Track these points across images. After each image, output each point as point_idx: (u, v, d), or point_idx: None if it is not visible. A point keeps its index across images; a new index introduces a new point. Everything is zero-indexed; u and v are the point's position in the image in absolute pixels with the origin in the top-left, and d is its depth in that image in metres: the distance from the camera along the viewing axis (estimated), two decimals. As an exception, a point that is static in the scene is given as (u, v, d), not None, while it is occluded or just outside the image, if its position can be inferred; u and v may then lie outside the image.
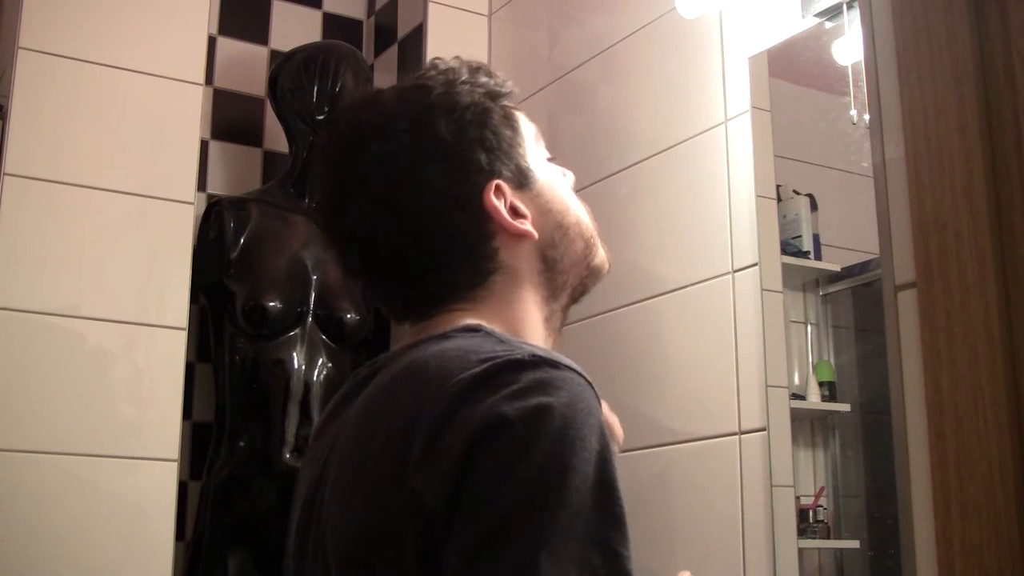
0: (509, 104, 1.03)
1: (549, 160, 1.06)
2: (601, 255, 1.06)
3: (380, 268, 1.01)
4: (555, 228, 1.01)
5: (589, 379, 0.84)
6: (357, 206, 0.98)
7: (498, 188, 0.97)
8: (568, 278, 1.03)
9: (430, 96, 0.99)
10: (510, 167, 0.99)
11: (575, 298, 1.05)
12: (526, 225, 0.98)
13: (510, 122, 1.02)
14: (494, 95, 1.01)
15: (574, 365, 0.85)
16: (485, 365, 0.82)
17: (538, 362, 0.82)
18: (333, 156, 1.02)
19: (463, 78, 1.01)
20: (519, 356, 0.83)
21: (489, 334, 0.90)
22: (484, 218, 0.97)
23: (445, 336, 0.92)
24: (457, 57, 1.04)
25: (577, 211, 1.04)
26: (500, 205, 0.97)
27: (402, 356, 0.93)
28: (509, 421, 0.78)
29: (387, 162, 0.97)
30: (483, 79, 1.02)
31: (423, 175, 0.96)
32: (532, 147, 1.03)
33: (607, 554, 0.77)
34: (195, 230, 2.17)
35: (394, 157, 0.97)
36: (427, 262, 0.98)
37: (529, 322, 0.98)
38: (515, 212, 0.98)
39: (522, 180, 1.00)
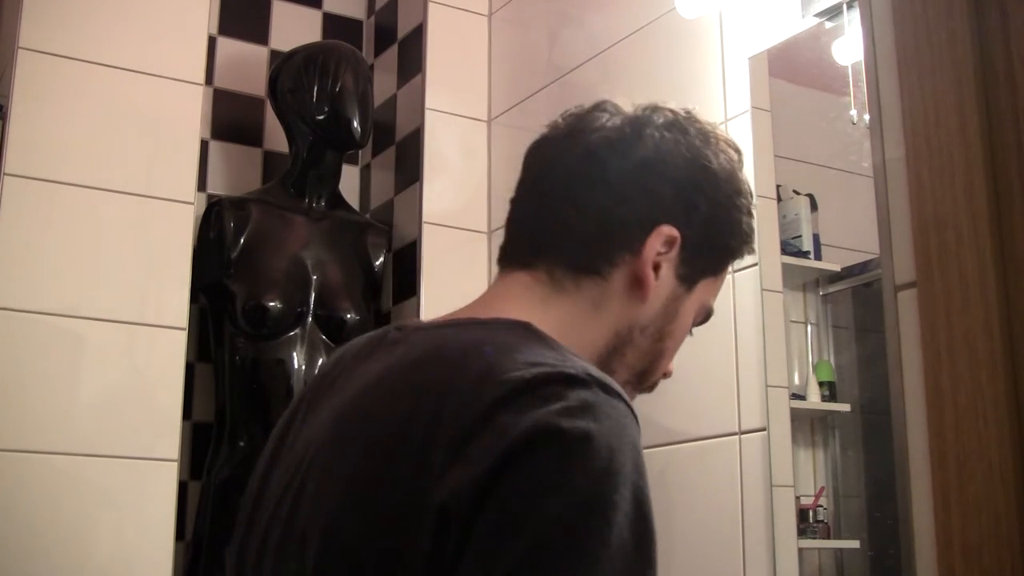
0: (741, 252, 1.01)
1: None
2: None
3: (557, 191, 0.96)
4: (658, 327, 0.97)
5: (633, 409, 0.81)
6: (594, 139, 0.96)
7: (673, 240, 0.94)
8: (618, 368, 0.97)
9: (733, 151, 0.99)
10: (694, 256, 0.96)
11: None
12: (650, 280, 0.94)
13: (731, 254, 1.00)
14: (749, 239, 1.01)
15: (623, 393, 0.80)
16: (535, 371, 0.76)
17: (591, 382, 0.77)
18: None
19: (752, 200, 1.01)
20: (572, 371, 0.77)
21: (539, 336, 0.84)
22: (643, 231, 0.94)
23: (486, 324, 0.87)
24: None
25: (668, 358, 1.01)
26: (659, 245, 0.94)
27: (434, 333, 0.88)
28: (557, 438, 0.72)
29: (674, 127, 0.96)
30: (753, 220, 1.01)
31: (671, 156, 0.95)
32: (705, 294, 1.00)
33: None
34: (195, 230, 2.17)
35: (678, 127, 0.96)
36: (587, 200, 0.94)
37: (584, 349, 0.92)
38: (655, 268, 0.94)
39: (685, 276, 0.97)
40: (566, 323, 0.92)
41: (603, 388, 0.78)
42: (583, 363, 0.81)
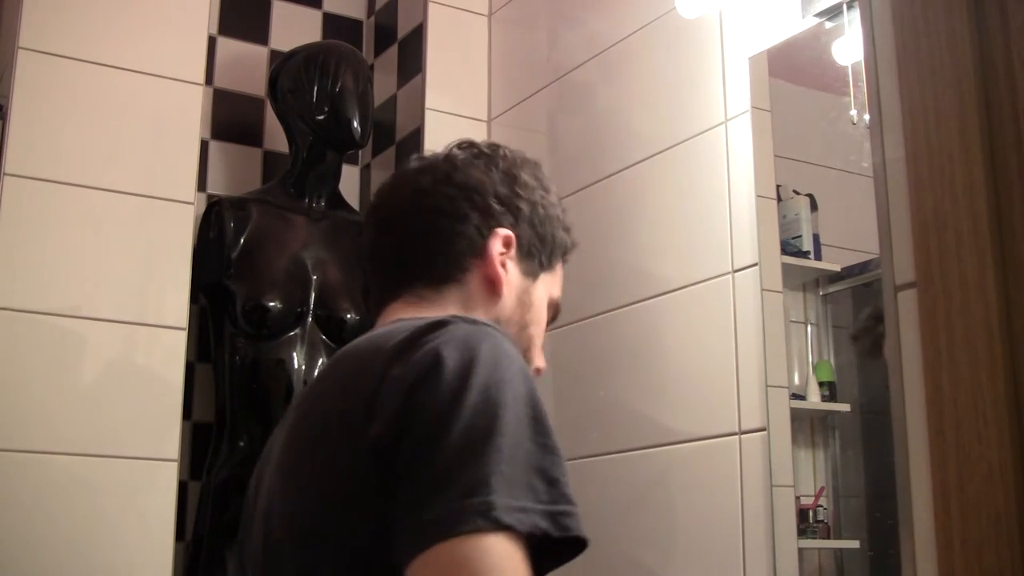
0: (568, 245, 1.18)
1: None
2: None
3: (403, 230, 1.12)
4: (518, 318, 1.11)
5: (506, 334, 0.95)
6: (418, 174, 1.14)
7: (509, 239, 1.10)
8: None
9: (536, 167, 1.17)
10: (529, 252, 1.12)
11: None
12: (501, 276, 1.09)
13: (558, 247, 1.16)
14: (567, 235, 1.18)
15: (492, 324, 0.95)
16: (411, 330, 0.92)
17: (457, 320, 0.92)
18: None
19: (561, 205, 1.19)
20: (439, 318, 0.93)
21: (413, 316, 1.00)
22: (482, 234, 1.09)
23: (375, 328, 1.03)
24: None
25: (536, 348, 1.14)
26: (499, 245, 1.09)
27: (342, 350, 1.03)
28: (440, 362, 0.87)
29: (480, 155, 1.13)
30: (569, 232, 1.19)
31: (488, 174, 1.12)
32: (546, 287, 1.15)
33: (547, 480, 0.84)
34: (195, 230, 2.17)
35: (485, 155, 1.14)
36: (431, 228, 1.09)
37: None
38: (503, 267, 1.09)
39: (526, 270, 1.12)
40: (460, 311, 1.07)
41: (469, 322, 0.93)
42: (451, 312, 0.98)
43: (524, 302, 1.12)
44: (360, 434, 0.87)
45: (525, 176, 1.13)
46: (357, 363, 0.94)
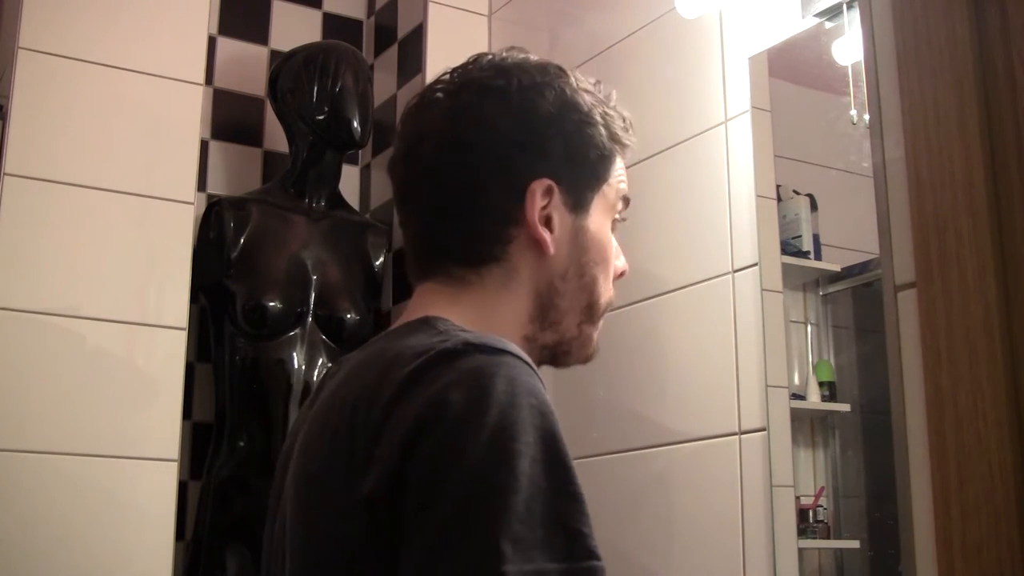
0: (618, 149, 1.02)
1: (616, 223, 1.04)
2: (594, 341, 1.03)
3: (423, 199, 1.00)
4: (575, 265, 0.99)
5: (528, 359, 0.84)
6: (440, 119, 0.99)
7: (549, 188, 0.96)
8: (560, 319, 0.99)
9: (562, 79, 1.00)
10: (574, 186, 0.98)
11: (544, 358, 1.01)
12: (546, 237, 0.96)
13: (604, 160, 1.01)
14: (614, 135, 1.02)
15: (511, 348, 0.83)
16: (418, 361, 0.81)
17: (469, 350, 0.81)
18: (446, 82, 1.01)
19: (607, 103, 1.02)
20: (450, 346, 0.82)
21: (429, 325, 0.89)
22: (517, 200, 0.95)
23: (388, 334, 0.93)
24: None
25: (604, 281, 1.01)
26: (537, 201, 0.95)
27: (352, 358, 0.95)
28: (445, 412, 0.77)
29: (487, 93, 0.97)
30: (618, 120, 1.03)
31: (500, 121, 0.96)
32: (606, 200, 1.02)
33: (569, 534, 0.76)
34: (195, 230, 2.17)
35: (494, 91, 0.97)
36: (449, 209, 0.97)
37: (507, 328, 0.95)
38: (547, 221, 0.97)
39: (576, 205, 0.99)
40: (481, 311, 0.96)
41: (483, 351, 0.81)
42: (464, 334, 0.85)
43: (580, 244, 0.99)
44: (357, 486, 0.79)
45: (546, 103, 0.97)
46: (365, 385, 0.84)
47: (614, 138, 1.02)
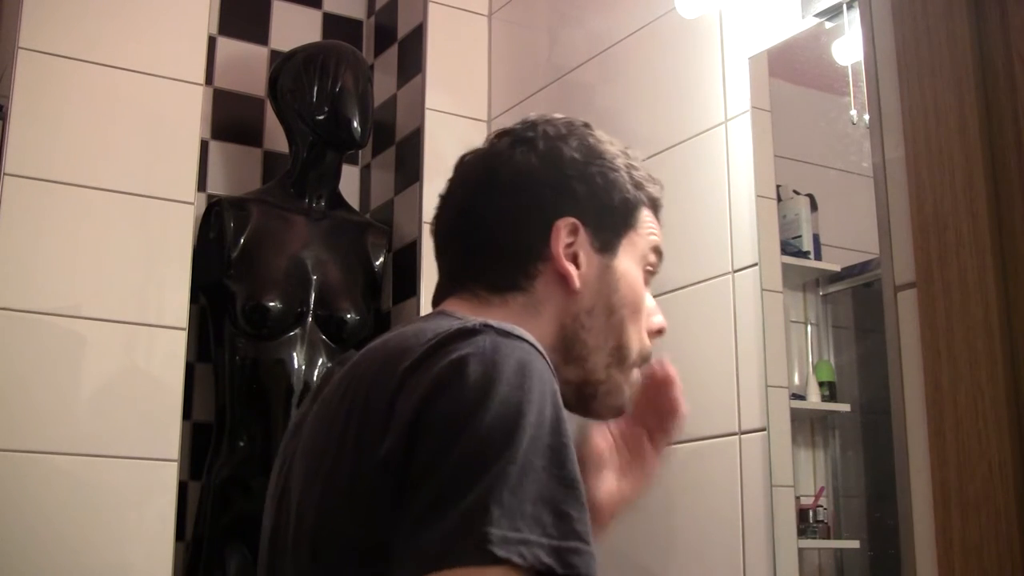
0: (644, 199, 1.06)
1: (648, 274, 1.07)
2: (624, 392, 1.05)
3: (456, 233, 1.06)
4: (603, 303, 1.02)
5: (542, 350, 0.86)
6: (476, 172, 1.06)
7: (574, 227, 1.01)
8: (586, 355, 1.02)
9: (587, 131, 1.07)
10: (599, 227, 1.02)
11: (569, 399, 1.01)
12: (572, 273, 1.00)
13: (629, 205, 1.05)
14: (637, 182, 1.06)
15: (529, 337, 0.86)
16: (438, 336, 0.85)
17: (487, 329, 0.84)
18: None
19: (630, 156, 1.07)
20: (469, 326, 0.85)
21: (450, 314, 0.93)
22: (543, 237, 1.00)
23: (407, 323, 0.97)
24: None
25: (634, 327, 1.04)
26: (563, 237, 1.00)
27: (365, 349, 0.96)
28: (460, 374, 0.81)
29: (518, 141, 1.04)
30: (642, 170, 1.07)
31: (528, 164, 1.02)
32: (635, 249, 1.05)
33: (557, 514, 0.78)
34: (195, 230, 2.17)
35: (524, 140, 1.04)
36: (479, 243, 1.03)
37: (536, 338, 0.95)
38: (574, 258, 1.01)
39: (603, 247, 1.03)
40: (508, 321, 0.97)
41: (501, 333, 0.85)
42: (483, 319, 0.87)
43: (608, 285, 1.02)
44: (374, 448, 0.82)
45: (571, 150, 1.04)
46: (385, 358, 0.88)
47: (638, 186, 1.06)
